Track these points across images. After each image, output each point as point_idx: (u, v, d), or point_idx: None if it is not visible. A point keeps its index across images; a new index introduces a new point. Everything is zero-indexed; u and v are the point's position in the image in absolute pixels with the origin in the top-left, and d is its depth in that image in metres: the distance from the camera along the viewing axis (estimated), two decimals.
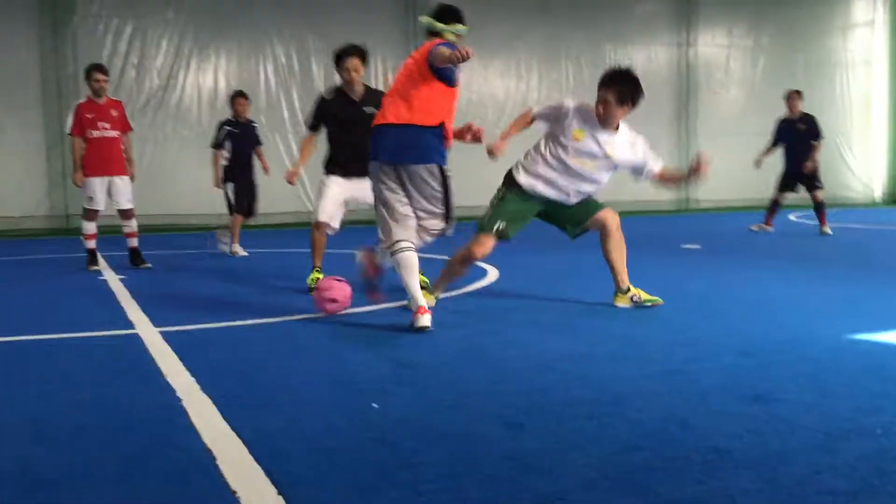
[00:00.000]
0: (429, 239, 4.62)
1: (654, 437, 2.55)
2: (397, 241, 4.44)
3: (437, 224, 4.55)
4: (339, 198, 5.86)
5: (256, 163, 9.06)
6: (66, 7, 12.94)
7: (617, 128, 4.93)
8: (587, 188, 4.98)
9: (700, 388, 3.12)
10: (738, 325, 4.39)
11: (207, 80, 13.87)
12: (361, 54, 5.72)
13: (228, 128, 8.85)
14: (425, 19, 4.56)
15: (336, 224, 5.92)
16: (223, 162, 8.85)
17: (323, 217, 5.83)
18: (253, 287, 6.22)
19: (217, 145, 8.87)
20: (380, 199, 4.55)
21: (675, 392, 3.07)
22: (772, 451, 2.41)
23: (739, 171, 17.12)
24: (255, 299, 5.57)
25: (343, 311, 4.85)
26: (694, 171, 4.89)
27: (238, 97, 9.03)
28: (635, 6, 16.70)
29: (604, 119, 4.85)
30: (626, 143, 4.96)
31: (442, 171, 4.45)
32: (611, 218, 4.99)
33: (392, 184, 4.48)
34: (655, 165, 5.07)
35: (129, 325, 4.71)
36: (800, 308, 4.99)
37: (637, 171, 5.06)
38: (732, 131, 17.19)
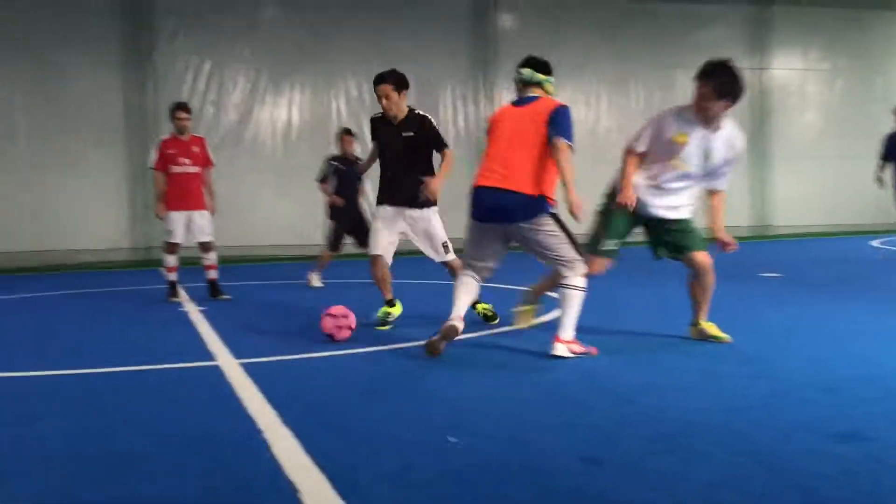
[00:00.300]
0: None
1: (737, 475, 2.50)
2: (462, 273, 4.76)
3: (566, 266, 4.54)
4: (389, 228, 5.77)
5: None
6: (149, 46, 13.49)
7: (720, 125, 4.62)
8: (684, 194, 4.79)
9: (782, 425, 3.04)
10: (821, 359, 4.27)
11: (281, 114, 14.25)
12: (393, 80, 5.62)
13: (335, 164, 8.99)
14: (527, 71, 4.70)
15: (388, 258, 5.83)
16: (327, 197, 9.01)
17: (377, 250, 5.77)
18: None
19: (322, 179, 9.05)
20: (468, 239, 4.77)
21: (757, 428, 3.00)
22: (863, 491, 2.34)
23: (818, 196, 16.78)
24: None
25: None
26: (721, 243, 4.77)
27: (344, 135, 9.18)
28: (707, 30, 16.51)
29: (703, 116, 4.57)
30: (726, 141, 4.67)
31: (554, 217, 4.54)
32: (707, 261, 4.78)
33: (487, 234, 4.65)
34: (724, 182, 4.83)
35: (210, 356, 4.83)
36: (887, 341, 4.81)
37: (714, 174, 4.77)
38: (810, 156, 16.80)
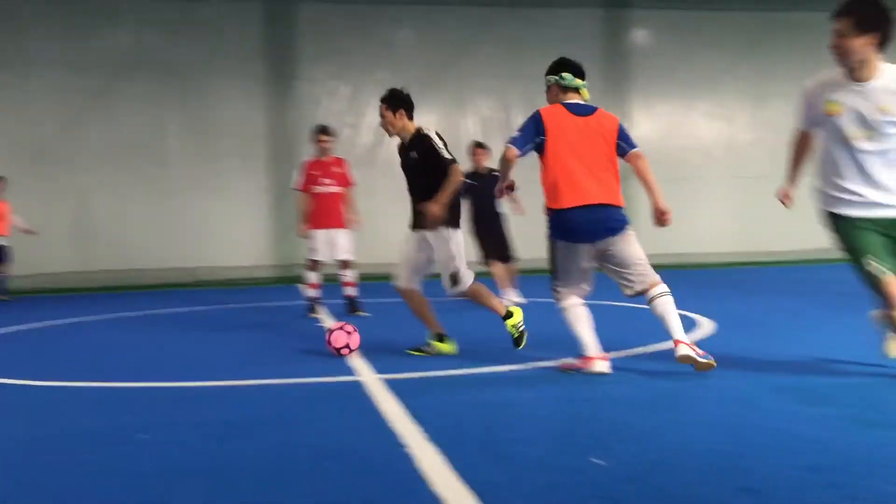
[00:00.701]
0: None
1: None
2: (568, 304, 4.66)
3: (650, 278, 4.57)
4: (414, 255, 5.53)
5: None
6: (290, 73, 14.11)
7: (874, 72, 3.90)
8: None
9: None
10: None
11: None
12: (387, 99, 5.58)
13: (468, 181, 8.94)
14: (568, 76, 4.70)
15: (416, 286, 5.57)
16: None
17: (399, 282, 5.56)
18: (474, 335, 6.19)
19: None
20: (561, 265, 4.67)
21: None
22: None
23: None
24: (476, 348, 5.61)
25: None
26: None
27: (475, 147, 9.10)
28: None
29: (847, 64, 3.90)
30: (890, 87, 3.90)
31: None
32: None
33: (581, 255, 4.60)
34: None
35: (351, 371, 4.93)
36: None
37: None
38: None
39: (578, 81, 4.72)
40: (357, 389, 4.37)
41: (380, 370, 4.86)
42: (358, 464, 2.99)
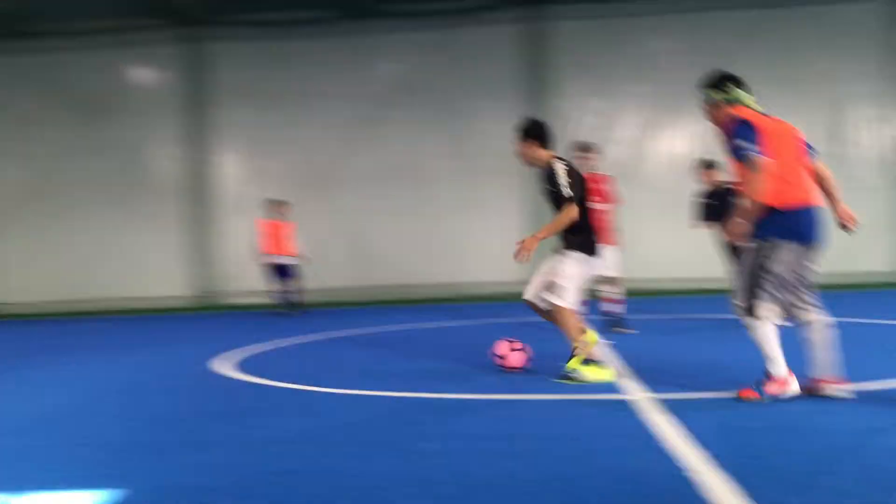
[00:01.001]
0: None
1: None
2: (767, 320, 4.33)
3: (818, 308, 4.39)
4: (541, 274, 5.68)
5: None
6: (545, 90, 14.33)
7: None
8: None
9: None
10: None
11: (674, 146, 14.14)
12: (519, 128, 5.64)
13: (703, 200, 8.61)
14: (737, 88, 4.47)
15: (538, 300, 5.66)
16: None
17: (526, 295, 5.74)
18: (733, 358, 5.87)
19: (700, 217, 8.74)
20: (780, 272, 4.30)
21: None
22: None
23: None
24: (734, 371, 5.25)
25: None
26: None
27: (704, 168, 8.58)
28: None
29: None
30: None
31: None
32: None
33: (801, 261, 4.34)
34: None
35: (623, 389, 4.85)
36: None
37: None
38: None
39: (749, 94, 4.51)
40: (626, 408, 4.30)
41: (654, 389, 4.75)
42: (636, 486, 2.94)
